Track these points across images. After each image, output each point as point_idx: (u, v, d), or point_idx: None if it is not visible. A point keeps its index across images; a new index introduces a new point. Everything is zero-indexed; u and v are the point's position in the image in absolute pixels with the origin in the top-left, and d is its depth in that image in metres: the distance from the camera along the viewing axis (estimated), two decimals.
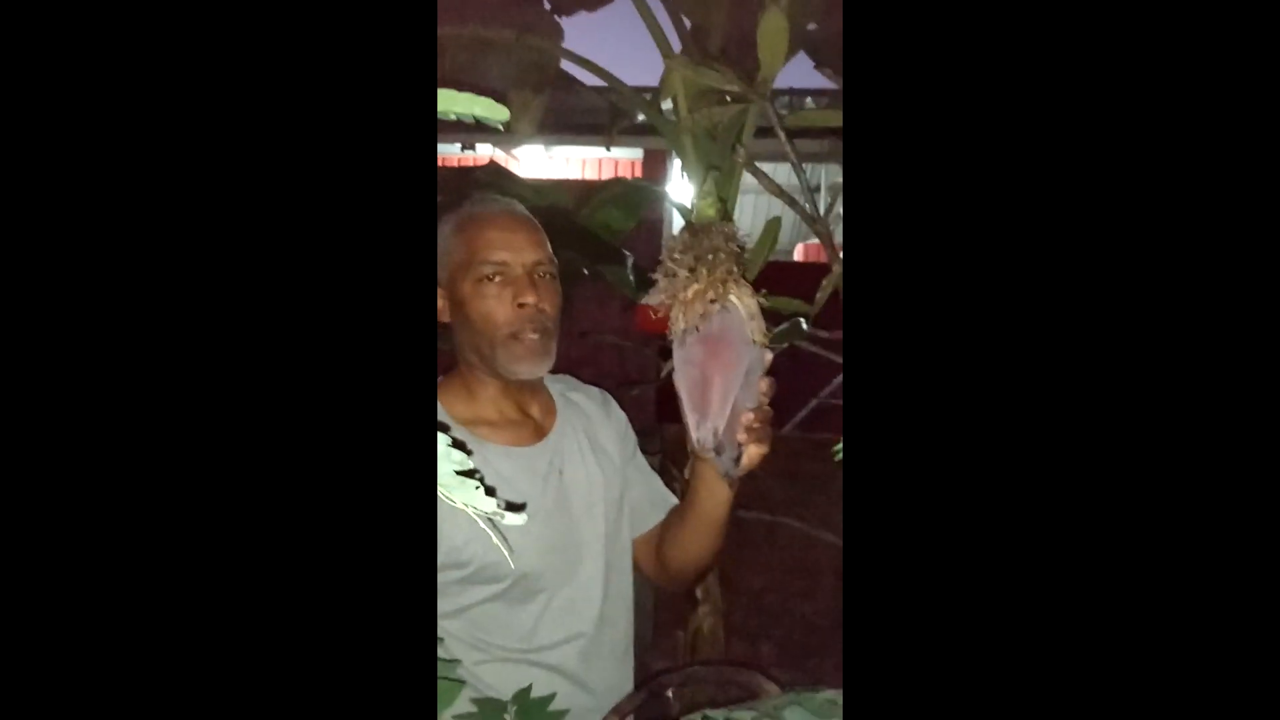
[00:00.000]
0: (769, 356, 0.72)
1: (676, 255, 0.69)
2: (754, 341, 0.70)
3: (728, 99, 1.28)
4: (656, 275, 0.71)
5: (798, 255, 5.77)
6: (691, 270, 0.68)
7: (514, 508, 0.26)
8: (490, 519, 0.26)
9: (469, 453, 0.26)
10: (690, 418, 0.70)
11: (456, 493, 0.25)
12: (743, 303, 0.69)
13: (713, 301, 0.68)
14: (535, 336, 0.80)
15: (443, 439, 0.26)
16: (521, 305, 0.79)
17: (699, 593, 1.50)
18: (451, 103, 0.33)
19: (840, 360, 1.44)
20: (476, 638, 0.79)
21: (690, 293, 0.68)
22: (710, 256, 0.68)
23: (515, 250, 0.81)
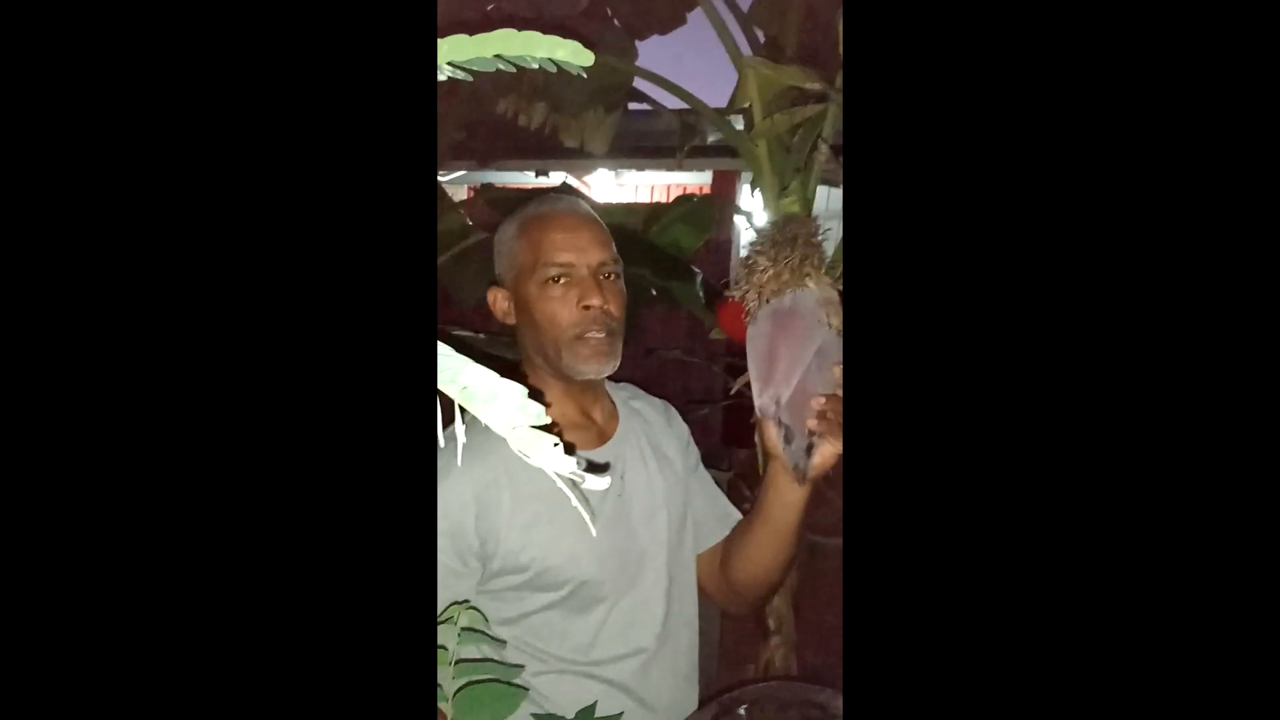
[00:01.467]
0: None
1: (758, 247, 0.71)
2: (829, 325, 0.70)
3: (803, 100, 1.25)
4: (738, 270, 0.73)
5: None
6: (771, 260, 0.69)
7: (596, 468, 0.22)
8: (570, 480, 0.22)
9: (548, 404, 0.23)
10: (754, 388, 0.71)
11: (533, 449, 0.22)
12: (818, 288, 0.70)
13: (786, 284, 0.69)
14: (601, 336, 0.78)
15: (518, 389, 0.23)
16: (587, 307, 0.77)
17: (771, 623, 1.42)
18: (532, 46, 0.31)
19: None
20: (535, 647, 0.76)
21: (766, 277, 0.69)
22: (788, 246, 0.69)
23: (580, 251, 0.79)
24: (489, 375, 0.23)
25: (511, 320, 0.82)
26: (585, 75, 0.32)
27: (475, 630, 0.47)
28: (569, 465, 0.22)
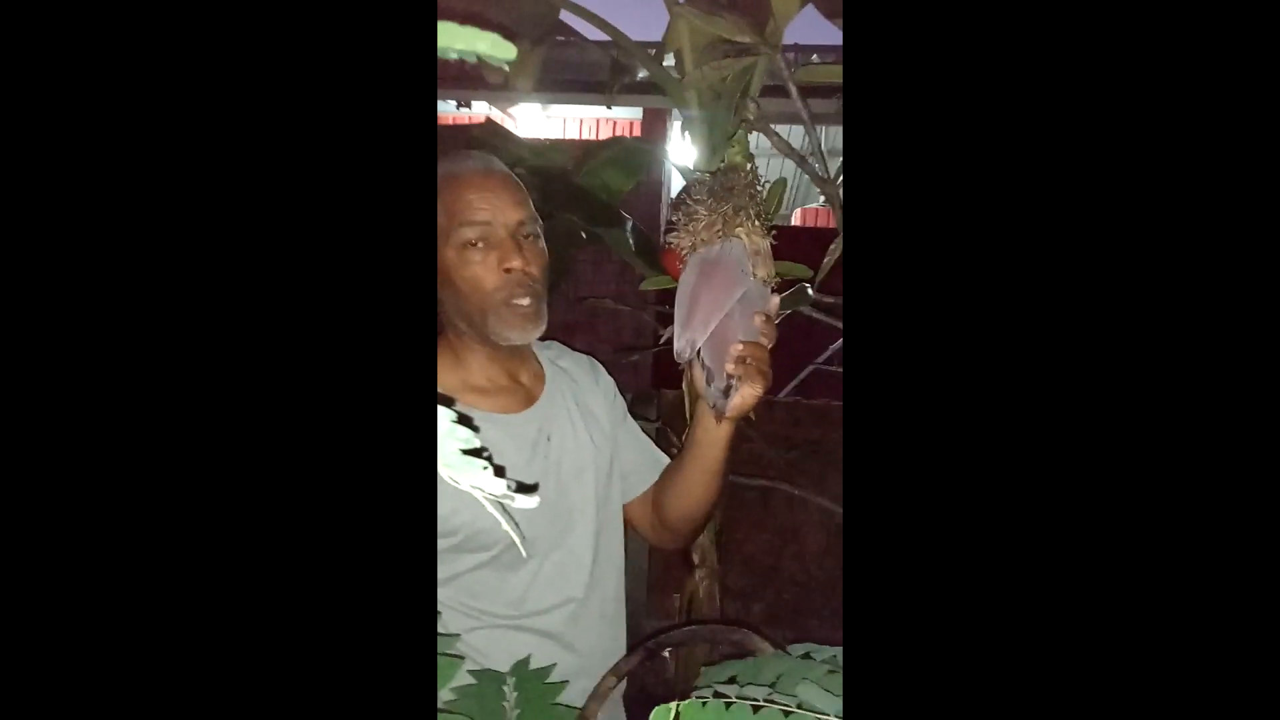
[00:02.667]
0: (775, 300, 0.74)
1: (696, 196, 0.72)
2: (754, 276, 0.72)
3: (734, 53, 1.23)
4: (676, 216, 0.74)
5: (796, 220, 5.71)
6: (709, 210, 0.71)
7: (525, 489, 0.24)
8: (499, 502, 0.23)
9: (475, 429, 0.23)
10: (675, 330, 0.73)
11: (462, 473, 0.23)
12: (750, 239, 0.72)
13: (719, 233, 0.71)
14: (526, 301, 0.77)
15: (446, 414, 0.23)
16: (508, 270, 0.76)
17: (695, 556, 1.51)
18: (453, 38, 0.29)
19: (840, 326, 1.41)
20: (468, 605, 0.78)
21: (701, 225, 0.71)
22: (725, 197, 0.71)
23: (497, 211, 0.77)
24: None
25: None
26: (507, 67, 0.31)
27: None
28: (500, 488, 0.23)
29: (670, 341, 1.48)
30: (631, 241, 1.73)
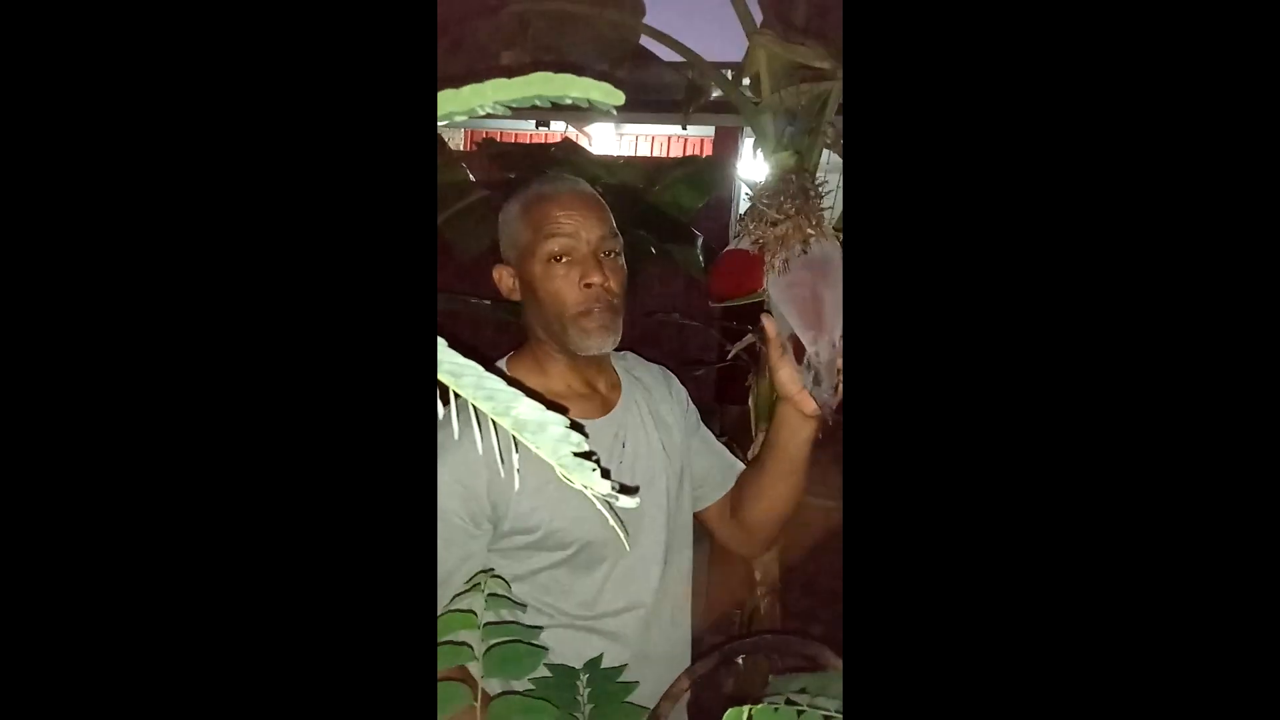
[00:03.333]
0: None
1: (766, 199, 0.74)
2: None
3: (810, 78, 1.24)
4: (743, 220, 0.75)
5: None
6: (778, 210, 0.72)
7: (626, 490, 0.26)
8: (606, 501, 0.27)
9: (585, 434, 0.27)
10: (805, 335, 0.73)
11: (575, 474, 0.26)
12: (830, 241, 0.73)
13: (807, 235, 0.72)
14: (604, 314, 0.82)
15: (559, 420, 0.27)
16: (588, 285, 0.81)
17: (757, 573, 1.51)
18: (567, 87, 0.33)
19: None
20: (544, 602, 0.82)
21: (782, 230, 0.72)
22: (798, 199, 0.72)
23: (581, 228, 0.82)
24: (536, 407, 0.27)
25: (517, 297, 0.86)
26: (615, 112, 0.34)
27: (499, 596, 0.52)
28: (605, 487, 0.26)
29: (737, 356, 1.48)
30: (701, 260, 1.76)
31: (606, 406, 0.89)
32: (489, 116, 0.34)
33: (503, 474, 0.30)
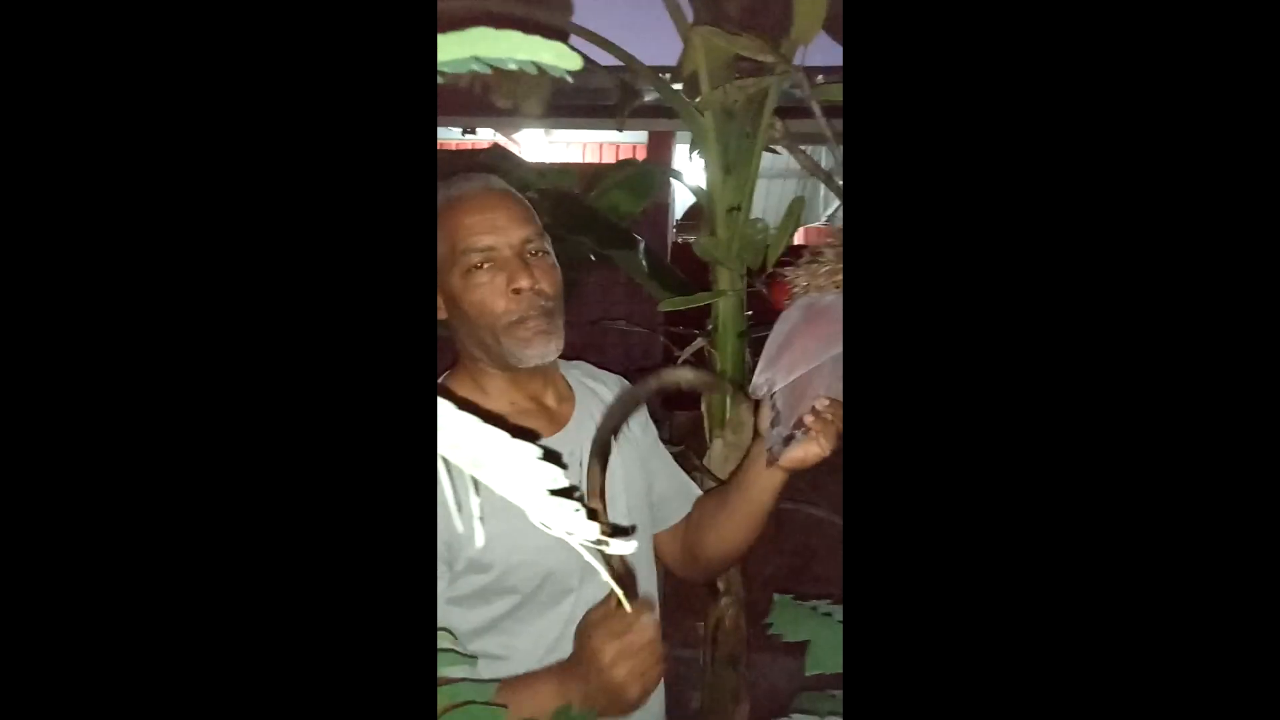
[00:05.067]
0: None
1: (831, 242, 0.72)
2: None
3: (748, 73, 1.22)
4: (802, 261, 0.74)
5: (798, 239, 5.73)
6: (837, 256, 0.71)
7: (620, 531, 0.21)
8: (596, 548, 0.21)
9: (564, 466, 0.21)
10: (759, 364, 0.72)
11: (554, 518, 0.20)
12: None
13: (835, 285, 0.70)
14: (539, 320, 0.74)
15: (532, 450, 0.21)
16: (517, 291, 0.73)
17: (720, 584, 1.47)
18: (514, 48, 0.28)
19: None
20: (507, 647, 0.74)
21: (824, 270, 0.71)
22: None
23: (500, 231, 0.74)
24: (499, 437, 0.21)
25: (444, 314, 0.78)
26: (569, 78, 0.29)
27: (449, 650, 0.46)
28: (594, 532, 0.21)
29: (688, 361, 1.45)
30: (645, 263, 1.72)
31: (557, 422, 0.81)
32: None
33: (459, 525, 0.24)
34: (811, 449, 0.72)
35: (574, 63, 0.28)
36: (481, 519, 0.21)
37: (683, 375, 0.65)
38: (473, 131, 3.73)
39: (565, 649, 0.76)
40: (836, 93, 1.26)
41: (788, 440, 0.72)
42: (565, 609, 0.76)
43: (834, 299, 0.71)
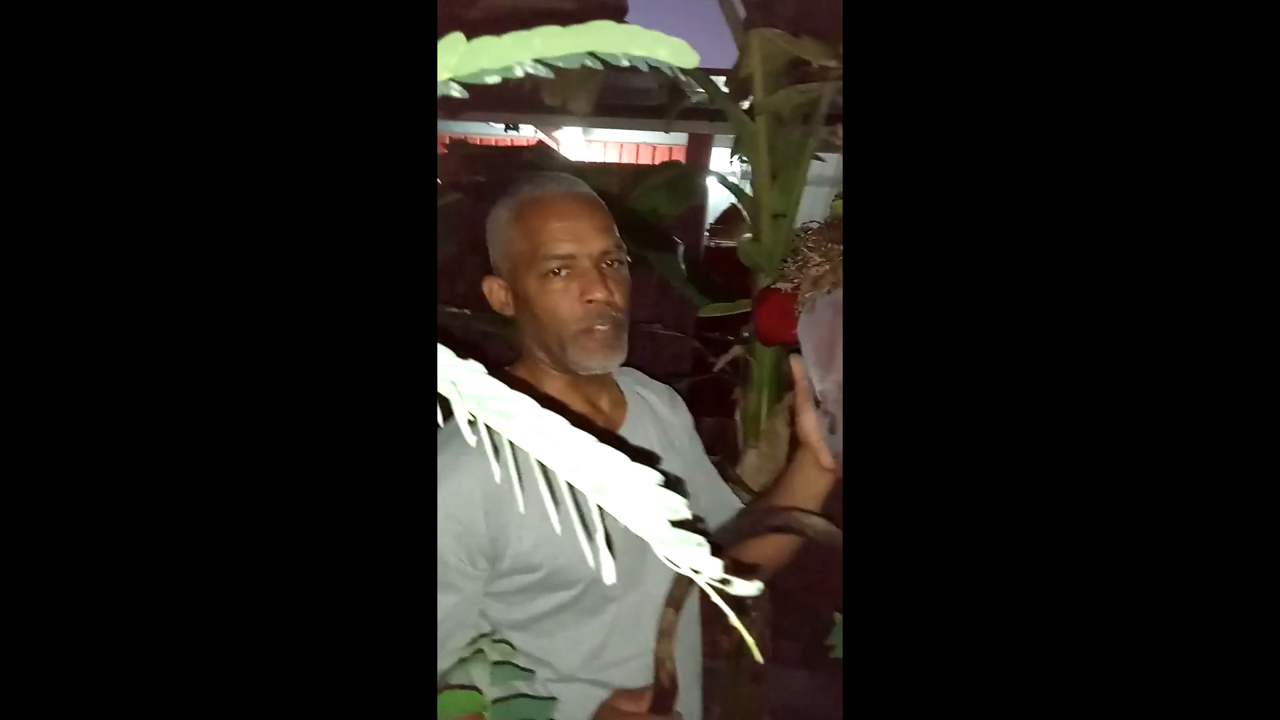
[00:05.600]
0: None
1: (810, 243, 0.71)
2: None
3: (802, 79, 1.20)
4: (786, 262, 0.73)
5: None
6: (824, 254, 0.70)
7: (742, 569, 0.19)
8: (719, 585, 0.19)
9: (686, 495, 0.19)
10: (814, 373, 0.71)
11: (678, 552, 0.19)
12: None
13: (831, 281, 0.70)
14: (606, 330, 0.74)
15: (652, 476, 0.19)
16: (590, 302, 0.73)
17: (748, 601, 1.45)
18: (630, 43, 0.26)
19: None
20: (545, 650, 0.73)
21: (819, 270, 0.70)
22: (841, 244, 0.70)
23: (581, 240, 0.73)
24: (622, 461, 0.20)
25: (510, 312, 0.77)
26: (683, 76, 0.28)
27: (506, 663, 0.44)
28: (717, 568, 0.19)
29: (724, 369, 1.43)
30: (683, 267, 1.70)
31: (611, 427, 0.81)
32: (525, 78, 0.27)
33: (590, 560, 0.22)
34: None
35: (691, 60, 0.27)
36: (611, 549, 0.19)
37: (814, 523, 0.62)
38: (515, 128, 3.74)
39: (604, 658, 0.75)
40: None
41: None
42: (607, 617, 0.75)
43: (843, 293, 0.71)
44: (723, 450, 1.63)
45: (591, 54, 0.26)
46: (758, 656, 0.25)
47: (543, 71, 0.26)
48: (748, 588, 0.20)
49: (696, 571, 0.19)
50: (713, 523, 0.87)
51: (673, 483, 0.19)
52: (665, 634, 0.56)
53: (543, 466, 0.19)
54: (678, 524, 0.19)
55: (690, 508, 0.70)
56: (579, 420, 0.75)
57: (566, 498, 0.19)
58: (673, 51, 0.26)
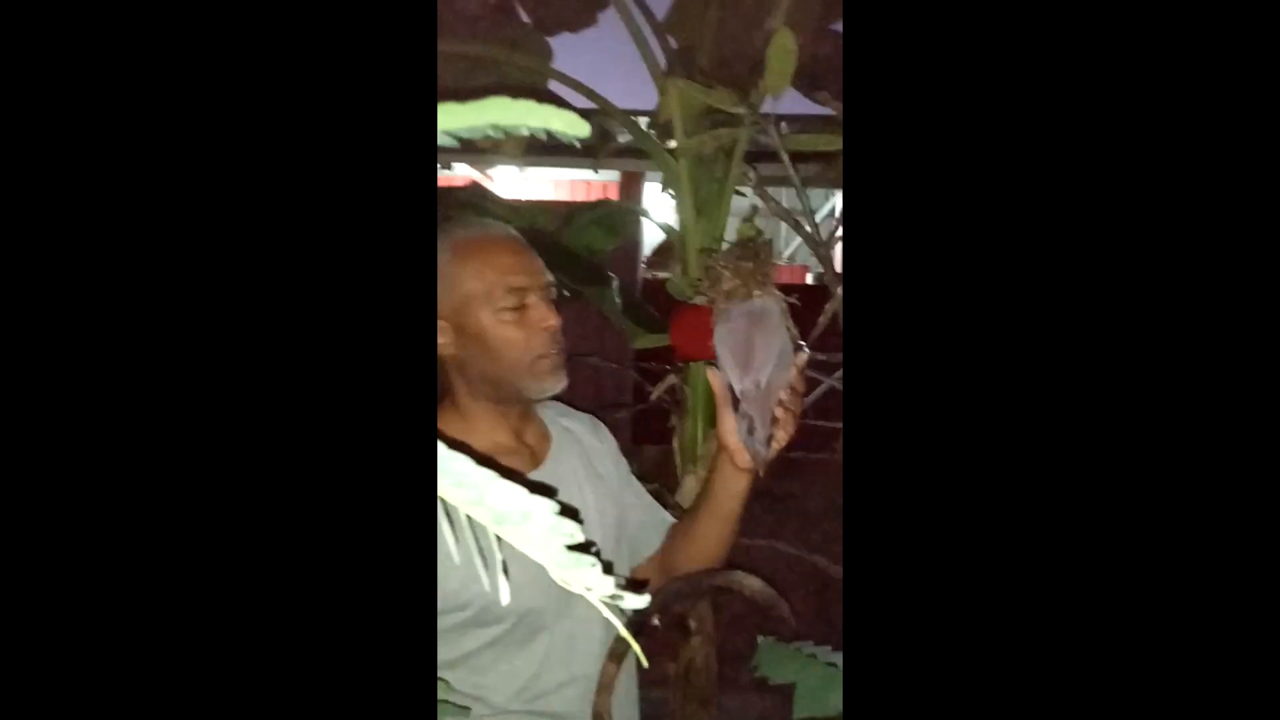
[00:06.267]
0: (804, 355, 0.78)
1: (722, 262, 0.77)
2: (788, 330, 0.77)
3: (719, 122, 1.27)
4: (701, 281, 0.79)
5: None
6: (734, 272, 0.76)
7: (634, 585, 0.22)
8: (612, 602, 0.22)
9: (580, 520, 0.22)
10: (732, 375, 0.75)
11: (572, 573, 0.21)
12: (774, 299, 0.78)
13: (748, 293, 0.76)
14: (557, 355, 0.79)
15: (548, 505, 0.22)
16: (547, 328, 0.78)
17: (692, 623, 1.46)
18: (526, 115, 0.29)
19: (832, 383, 1.43)
20: (478, 686, 0.74)
21: (731, 284, 0.76)
22: (749, 260, 0.77)
23: (532, 274, 0.80)
24: (517, 492, 0.22)
25: (450, 351, 0.79)
26: (578, 144, 0.31)
27: (444, 701, 0.45)
28: (609, 587, 0.22)
29: (660, 399, 1.47)
30: (619, 301, 1.74)
31: (536, 459, 0.83)
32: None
33: (487, 584, 0.24)
34: (781, 438, 0.77)
35: (583, 130, 0.30)
36: (506, 574, 0.22)
37: (750, 583, 0.68)
38: (448, 167, 3.75)
39: (537, 688, 0.75)
40: (802, 141, 1.32)
41: (768, 441, 0.75)
42: (539, 647, 0.76)
43: (760, 303, 0.77)
44: (664, 478, 1.65)
45: (494, 125, 0.28)
46: (644, 662, 0.28)
47: (449, 142, 0.28)
48: (638, 601, 0.22)
49: (589, 589, 0.21)
50: (647, 541, 0.90)
51: (599, 510, 0.21)
52: (604, 688, 0.58)
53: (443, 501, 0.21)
54: (573, 548, 0.22)
55: (622, 528, 0.73)
56: (508, 454, 0.77)
57: (466, 530, 0.21)
58: (566, 123, 0.29)
